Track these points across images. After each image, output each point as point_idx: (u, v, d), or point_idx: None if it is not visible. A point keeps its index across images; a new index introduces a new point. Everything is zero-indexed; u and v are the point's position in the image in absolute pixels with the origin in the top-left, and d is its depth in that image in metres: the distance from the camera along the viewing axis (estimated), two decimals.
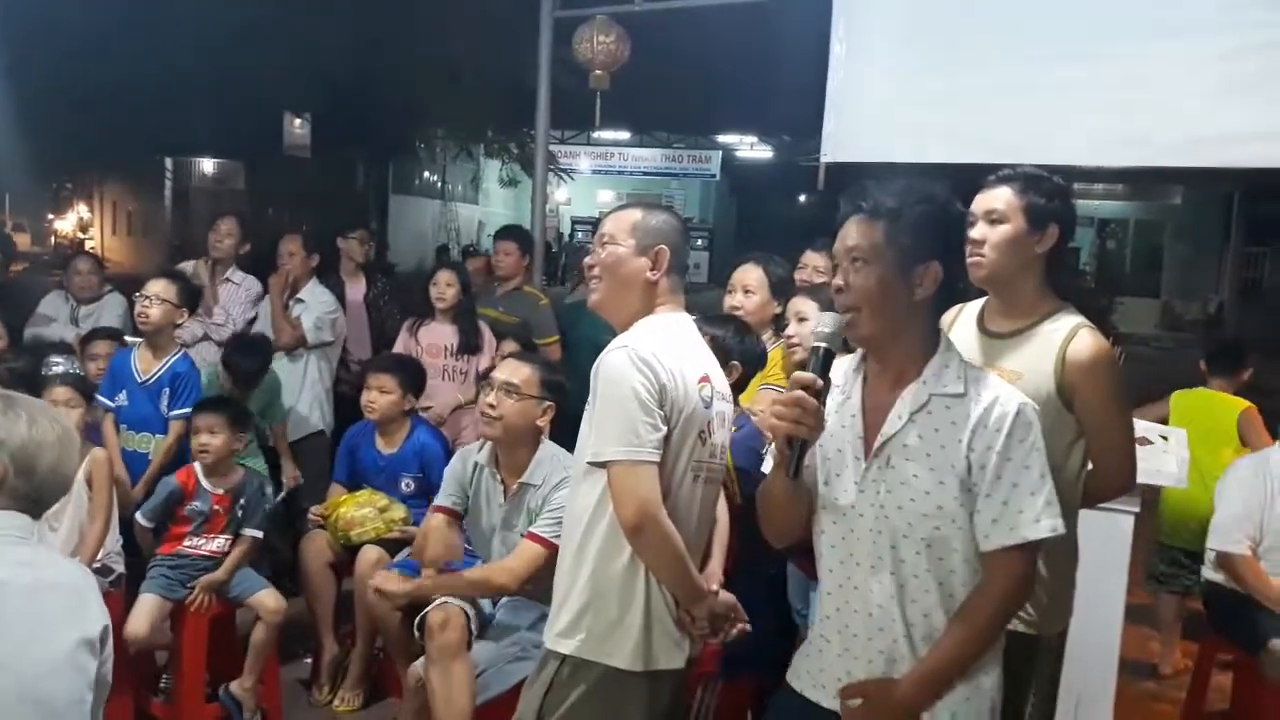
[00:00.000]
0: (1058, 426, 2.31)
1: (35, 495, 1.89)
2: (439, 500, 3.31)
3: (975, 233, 2.38)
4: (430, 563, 3.23)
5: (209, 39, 8.58)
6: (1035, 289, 2.40)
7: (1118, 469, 2.42)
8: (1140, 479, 2.98)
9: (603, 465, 2.11)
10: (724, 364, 2.55)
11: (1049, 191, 2.37)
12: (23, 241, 27.74)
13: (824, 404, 1.86)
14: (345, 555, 3.92)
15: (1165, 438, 3.35)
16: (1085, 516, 3.02)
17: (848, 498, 1.92)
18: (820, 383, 1.84)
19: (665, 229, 2.29)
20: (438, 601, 3.13)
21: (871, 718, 1.91)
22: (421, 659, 3.11)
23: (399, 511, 3.88)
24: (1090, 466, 2.42)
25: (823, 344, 1.88)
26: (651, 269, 2.26)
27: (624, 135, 23.86)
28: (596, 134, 22.48)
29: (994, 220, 2.37)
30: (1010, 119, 4.12)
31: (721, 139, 24.48)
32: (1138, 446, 3.21)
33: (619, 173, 26.08)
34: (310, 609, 4.01)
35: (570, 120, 11.40)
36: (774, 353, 3.33)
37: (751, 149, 24.97)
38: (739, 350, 2.89)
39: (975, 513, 1.84)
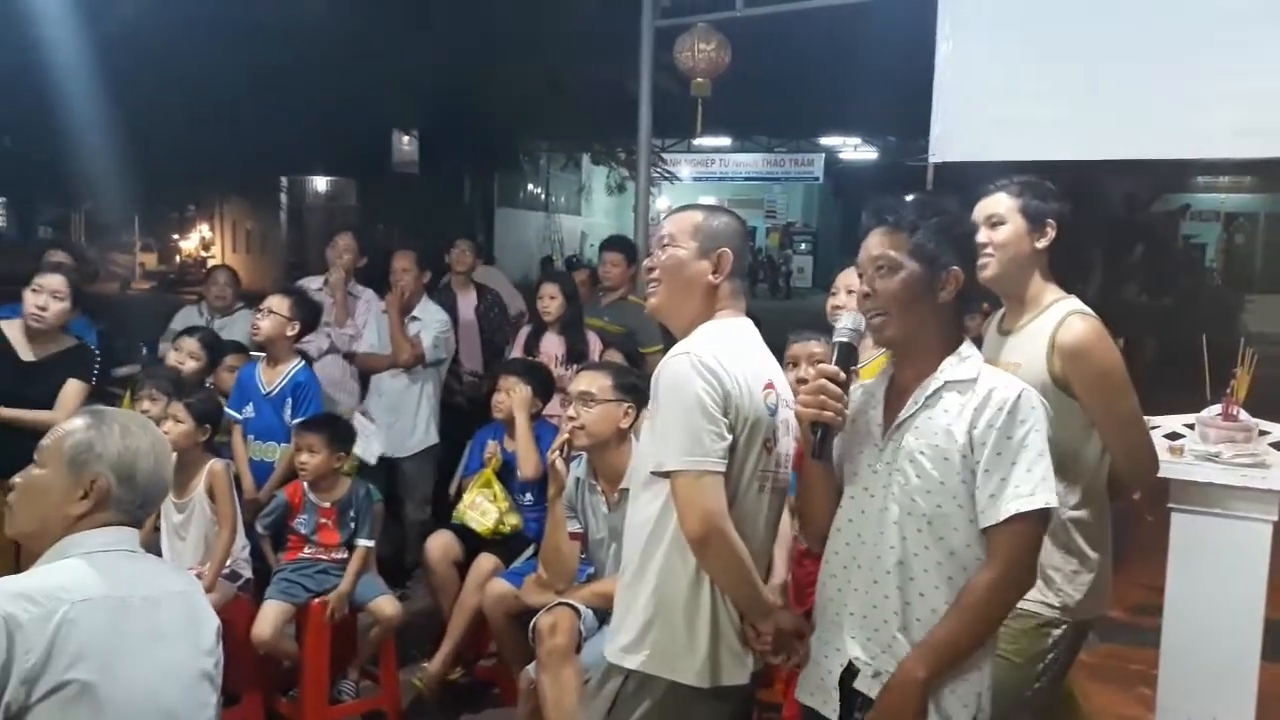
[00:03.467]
0: (1065, 413, 2.33)
1: (140, 502, 1.96)
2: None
3: (980, 238, 2.47)
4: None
5: (319, 61, 8.86)
6: (1038, 284, 2.51)
7: (1126, 451, 2.42)
8: None
9: (666, 475, 2.04)
10: None
11: (1043, 193, 2.52)
12: (150, 261, 29.24)
13: (847, 393, 2.02)
14: (466, 557, 4.03)
15: None
16: (1217, 525, 2.89)
17: (862, 478, 2.03)
18: (843, 374, 2.01)
19: (728, 231, 2.23)
20: (548, 606, 3.18)
21: (881, 697, 1.94)
22: (533, 663, 3.17)
23: (511, 522, 4.00)
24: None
25: (843, 339, 2.06)
26: (714, 272, 2.19)
27: (725, 141, 23.77)
28: (697, 140, 22.49)
29: (995, 224, 2.50)
30: (1122, 114, 3.99)
31: (824, 141, 24.15)
32: None
33: (719, 179, 25.99)
34: (436, 603, 4.15)
35: (671, 128, 11.41)
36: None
37: (855, 150, 24.56)
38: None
39: (975, 489, 1.91)
